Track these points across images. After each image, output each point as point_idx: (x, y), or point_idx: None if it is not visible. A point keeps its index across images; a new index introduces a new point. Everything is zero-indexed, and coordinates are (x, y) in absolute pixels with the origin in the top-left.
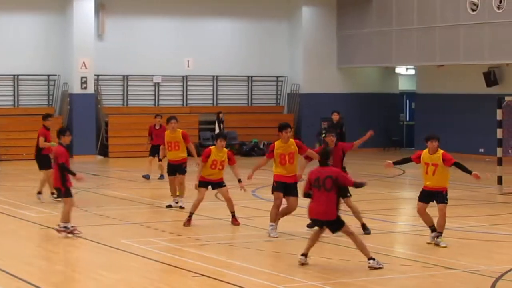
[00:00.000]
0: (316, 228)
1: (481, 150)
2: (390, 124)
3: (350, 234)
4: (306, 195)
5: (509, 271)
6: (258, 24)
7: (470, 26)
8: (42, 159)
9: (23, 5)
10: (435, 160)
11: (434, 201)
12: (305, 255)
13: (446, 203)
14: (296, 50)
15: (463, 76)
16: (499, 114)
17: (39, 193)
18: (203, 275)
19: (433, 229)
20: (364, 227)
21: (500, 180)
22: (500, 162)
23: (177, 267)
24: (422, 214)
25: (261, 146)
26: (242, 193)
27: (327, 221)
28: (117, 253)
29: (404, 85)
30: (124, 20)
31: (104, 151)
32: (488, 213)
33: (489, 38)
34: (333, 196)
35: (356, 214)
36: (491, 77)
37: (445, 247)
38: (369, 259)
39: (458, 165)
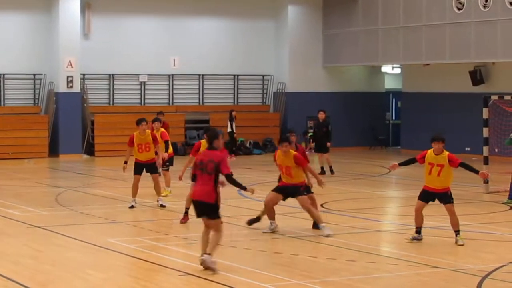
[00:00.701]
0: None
1: (468, 149)
2: (376, 123)
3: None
4: (192, 177)
5: (495, 270)
6: (244, 23)
7: (456, 25)
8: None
9: (9, 4)
10: (440, 161)
11: (436, 201)
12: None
13: (453, 202)
14: (282, 49)
15: (449, 75)
16: (485, 113)
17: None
18: (189, 274)
19: (419, 231)
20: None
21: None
22: (486, 161)
23: (164, 266)
24: (418, 212)
25: (247, 145)
26: (227, 193)
27: (205, 203)
28: (104, 252)
29: (390, 84)
30: (110, 19)
31: (90, 150)
32: (474, 212)
33: (475, 37)
34: (212, 180)
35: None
36: (477, 76)
37: (462, 245)
38: (205, 254)
39: (464, 165)
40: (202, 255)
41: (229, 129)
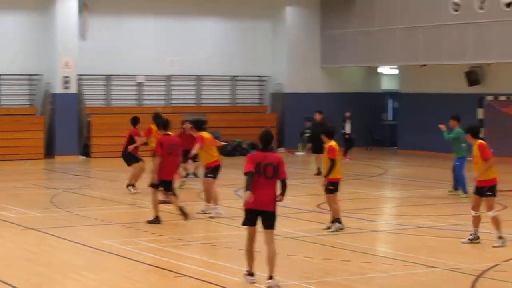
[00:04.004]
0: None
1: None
2: (373, 123)
3: None
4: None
5: (490, 268)
6: (242, 24)
7: (452, 26)
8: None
9: (5, 4)
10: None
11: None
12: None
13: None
14: (279, 50)
15: (445, 76)
16: (480, 114)
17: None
18: (185, 275)
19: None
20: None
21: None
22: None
23: (159, 268)
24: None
25: (244, 146)
26: (224, 193)
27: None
28: (99, 253)
29: (387, 85)
30: (107, 20)
31: (86, 151)
32: (470, 212)
33: (472, 38)
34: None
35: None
36: (473, 77)
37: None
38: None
39: None
40: (267, 279)
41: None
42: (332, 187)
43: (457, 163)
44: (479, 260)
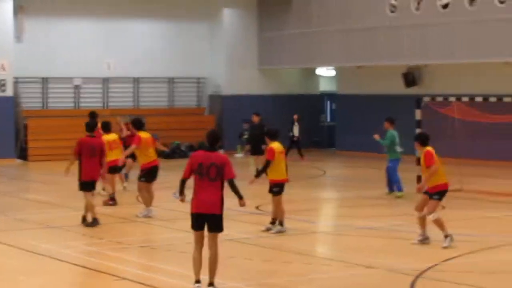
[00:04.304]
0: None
1: (401, 150)
2: (311, 125)
3: None
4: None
5: (428, 269)
6: (179, 25)
7: (389, 28)
8: None
9: None
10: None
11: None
12: None
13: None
14: (217, 51)
15: (382, 77)
16: (417, 115)
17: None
18: (124, 278)
19: None
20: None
21: (419, 179)
22: (419, 161)
23: (99, 271)
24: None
25: (183, 148)
26: (163, 196)
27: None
28: (38, 257)
29: (324, 86)
30: (43, 22)
31: (23, 154)
32: (408, 212)
33: (408, 39)
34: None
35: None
36: (410, 78)
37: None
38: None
39: None
40: (208, 285)
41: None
42: (276, 189)
43: (390, 165)
44: (418, 260)
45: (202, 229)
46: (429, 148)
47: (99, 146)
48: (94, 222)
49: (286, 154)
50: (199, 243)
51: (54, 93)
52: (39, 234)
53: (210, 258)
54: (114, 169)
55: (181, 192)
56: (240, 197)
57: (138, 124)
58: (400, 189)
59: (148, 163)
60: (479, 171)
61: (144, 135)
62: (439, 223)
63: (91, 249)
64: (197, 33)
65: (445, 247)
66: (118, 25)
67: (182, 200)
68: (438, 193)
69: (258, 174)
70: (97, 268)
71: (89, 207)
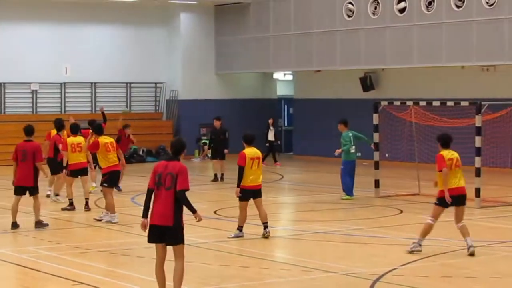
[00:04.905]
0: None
1: (359, 154)
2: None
3: None
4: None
5: (386, 273)
6: (137, 30)
7: (346, 32)
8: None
9: None
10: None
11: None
12: None
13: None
14: (174, 56)
15: (340, 82)
16: (375, 119)
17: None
18: (83, 283)
19: None
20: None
21: (377, 184)
22: (377, 165)
23: (57, 276)
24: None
25: (140, 152)
26: (122, 200)
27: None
28: None
29: (282, 91)
30: (0, 27)
31: None
32: (366, 216)
33: (365, 43)
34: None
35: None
36: (367, 82)
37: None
38: None
39: None
40: None
41: None
42: (240, 195)
43: (343, 167)
44: (377, 264)
45: (158, 241)
46: (442, 152)
47: (32, 151)
48: (38, 225)
49: (263, 159)
50: (159, 258)
51: (11, 98)
52: None
53: (174, 272)
54: (75, 172)
55: (145, 209)
56: (193, 211)
57: (98, 129)
58: (348, 193)
59: (107, 168)
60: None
61: (105, 139)
62: (424, 228)
63: (49, 254)
64: (154, 37)
65: (409, 252)
66: (75, 30)
67: (144, 226)
68: (438, 199)
69: (238, 183)
70: (56, 273)
71: (13, 210)
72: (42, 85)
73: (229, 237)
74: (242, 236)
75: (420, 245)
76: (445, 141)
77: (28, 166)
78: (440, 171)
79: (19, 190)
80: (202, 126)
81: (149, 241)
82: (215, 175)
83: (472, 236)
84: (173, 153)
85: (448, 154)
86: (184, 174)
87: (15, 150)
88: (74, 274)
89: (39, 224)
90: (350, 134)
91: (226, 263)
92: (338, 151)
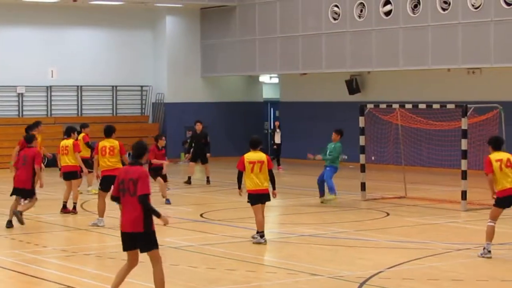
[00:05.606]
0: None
1: (345, 157)
2: (254, 132)
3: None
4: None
5: (372, 276)
6: (122, 33)
7: (331, 35)
8: None
9: None
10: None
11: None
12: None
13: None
14: (160, 59)
15: (326, 84)
16: (361, 122)
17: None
18: (69, 286)
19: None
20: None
21: (363, 187)
22: (363, 168)
23: (43, 279)
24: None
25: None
26: (109, 203)
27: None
28: None
29: (268, 94)
30: None
31: None
32: (352, 219)
33: (350, 46)
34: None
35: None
36: (353, 85)
37: None
38: None
39: None
40: None
41: None
42: (248, 200)
43: (328, 168)
44: (362, 267)
45: (131, 249)
46: (490, 155)
47: (32, 156)
48: (8, 223)
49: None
50: (129, 261)
51: None
52: None
53: (154, 278)
54: (67, 175)
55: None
56: (157, 216)
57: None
58: (332, 191)
59: (102, 171)
60: (423, 178)
61: (105, 143)
62: (487, 231)
63: (35, 257)
64: (140, 41)
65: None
66: (61, 33)
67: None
68: (495, 200)
69: (238, 185)
70: (42, 276)
71: (10, 209)
72: (28, 88)
73: (253, 243)
74: (263, 242)
75: (489, 251)
76: (496, 144)
77: (28, 170)
78: (486, 174)
79: (17, 192)
80: (188, 129)
81: (124, 249)
82: (189, 177)
83: (458, 239)
84: (135, 156)
85: (497, 155)
86: (143, 178)
87: (18, 155)
88: (61, 277)
89: (18, 217)
90: (341, 146)
91: (212, 266)
92: (317, 156)
